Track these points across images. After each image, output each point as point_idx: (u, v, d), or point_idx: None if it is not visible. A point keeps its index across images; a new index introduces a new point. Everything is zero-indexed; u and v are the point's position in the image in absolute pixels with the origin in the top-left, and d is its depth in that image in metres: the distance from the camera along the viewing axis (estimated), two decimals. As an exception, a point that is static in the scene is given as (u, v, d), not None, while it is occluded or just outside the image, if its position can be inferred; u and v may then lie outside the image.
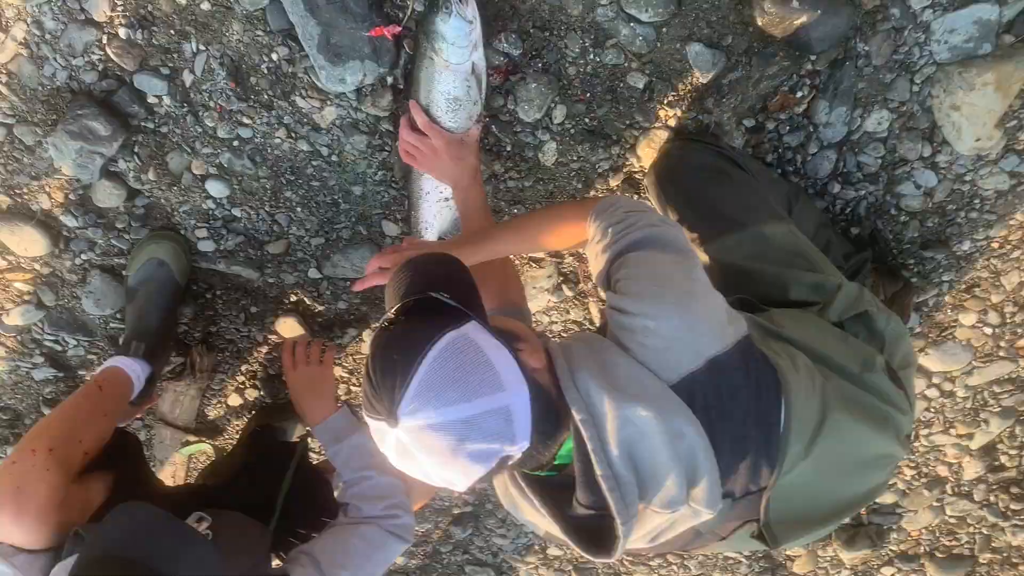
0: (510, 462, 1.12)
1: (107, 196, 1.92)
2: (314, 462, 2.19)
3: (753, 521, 1.38)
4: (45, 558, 1.54)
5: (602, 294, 1.85)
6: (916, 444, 2.61)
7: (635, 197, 2.00)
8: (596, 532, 1.19)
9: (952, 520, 2.85)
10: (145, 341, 1.95)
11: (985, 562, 2.98)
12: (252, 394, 2.37)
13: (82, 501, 1.65)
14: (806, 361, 1.37)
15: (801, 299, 1.59)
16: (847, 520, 1.65)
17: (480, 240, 1.59)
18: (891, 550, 2.95)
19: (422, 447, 1.06)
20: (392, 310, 1.20)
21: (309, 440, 2.09)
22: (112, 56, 1.74)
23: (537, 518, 1.34)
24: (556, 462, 1.23)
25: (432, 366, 1.05)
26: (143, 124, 1.84)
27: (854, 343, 1.53)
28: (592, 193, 1.99)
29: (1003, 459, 2.66)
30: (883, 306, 1.59)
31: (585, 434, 1.13)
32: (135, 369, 1.92)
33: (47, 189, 1.92)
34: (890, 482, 1.77)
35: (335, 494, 1.86)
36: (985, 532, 2.89)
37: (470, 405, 1.05)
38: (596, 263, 1.38)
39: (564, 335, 2.28)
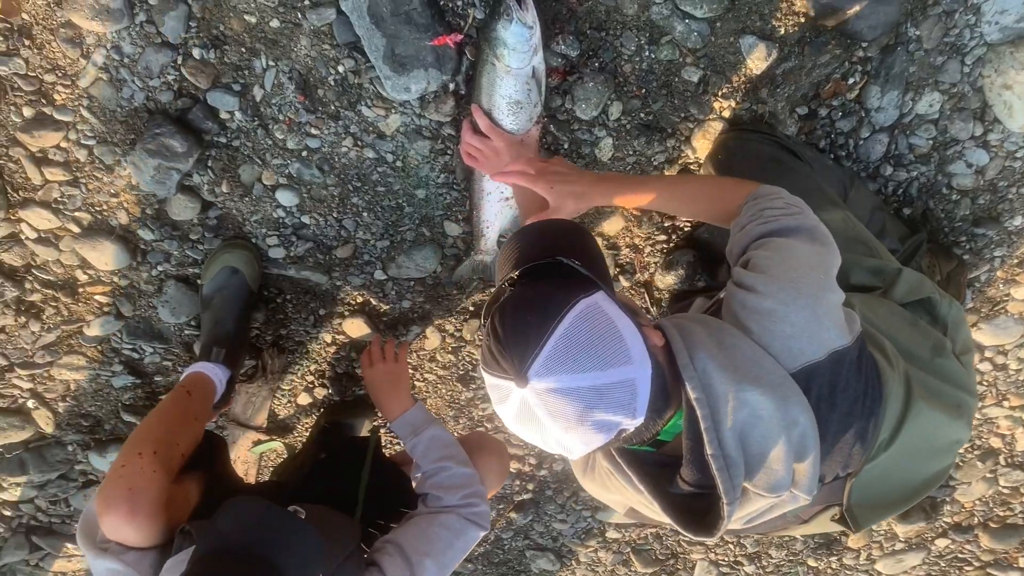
0: (622, 436, 1.12)
1: (182, 209, 2.00)
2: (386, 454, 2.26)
3: (835, 505, 1.42)
4: (153, 555, 1.63)
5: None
6: (969, 417, 2.65)
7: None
8: (697, 511, 1.22)
9: (1006, 491, 2.89)
10: (224, 346, 2.03)
11: (1039, 530, 3.02)
12: (321, 393, 2.45)
13: (182, 500, 1.73)
14: (893, 350, 1.41)
15: (861, 284, 1.62)
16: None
17: (624, 183, 1.58)
18: (945, 522, 2.99)
19: (547, 411, 1.07)
20: (518, 271, 1.21)
21: (380, 433, 2.16)
22: (187, 76, 1.81)
23: (625, 495, 1.36)
24: (660, 439, 1.24)
25: (569, 331, 1.07)
26: (216, 139, 1.91)
27: (924, 327, 1.56)
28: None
29: (1056, 429, 2.69)
30: (944, 292, 1.63)
31: (699, 413, 1.14)
32: (217, 373, 2.00)
33: (125, 205, 2.00)
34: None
35: (413, 485, 1.93)
36: (1039, 501, 2.92)
37: (603, 375, 1.06)
38: (738, 235, 1.38)
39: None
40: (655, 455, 1.28)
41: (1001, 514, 2.97)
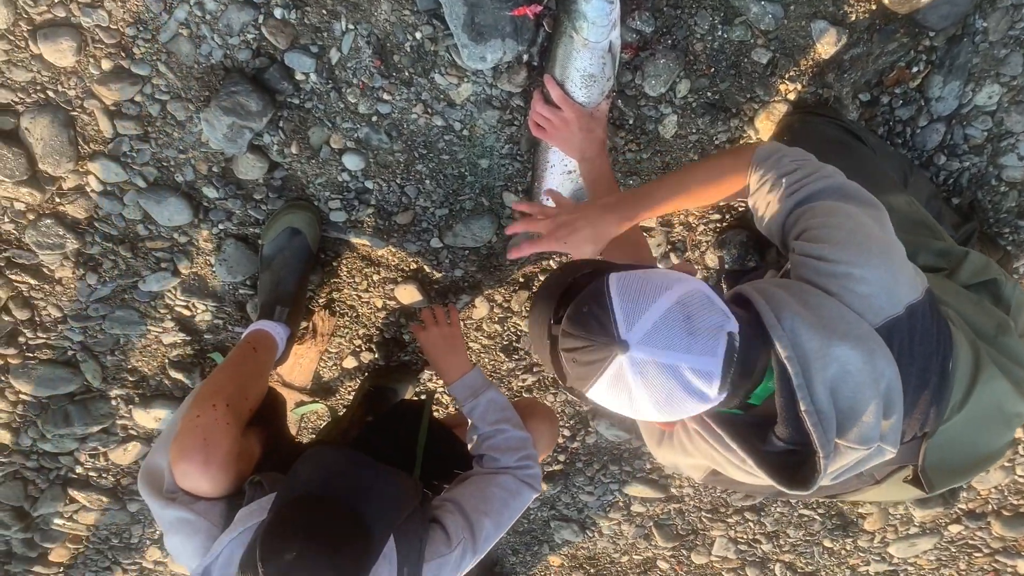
0: (736, 345, 1.14)
1: (249, 169, 2.02)
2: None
3: (909, 466, 1.46)
4: (222, 505, 1.67)
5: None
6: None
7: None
8: (791, 467, 1.25)
9: (1021, 480, 2.96)
10: (288, 306, 2.07)
11: (1050, 521, 3.10)
12: (367, 357, 2.49)
13: (248, 454, 1.77)
14: (957, 317, 1.46)
15: (928, 265, 1.67)
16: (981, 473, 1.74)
17: (639, 196, 1.63)
18: (960, 508, 3.07)
19: (664, 347, 1.10)
20: (553, 310, 1.24)
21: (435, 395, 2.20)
22: (266, 35, 1.83)
23: (714, 456, 1.38)
24: (749, 401, 1.28)
25: (619, 290, 1.14)
26: (289, 100, 1.93)
27: (988, 307, 1.61)
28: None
29: (1077, 421, 2.76)
30: (1009, 275, 1.68)
31: (791, 370, 1.17)
32: (279, 332, 2.04)
33: (192, 162, 2.03)
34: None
35: (469, 447, 1.97)
36: (1053, 492, 3.00)
37: (672, 291, 1.12)
38: (768, 211, 1.42)
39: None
40: (745, 416, 1.32)
41: (1015, 503, 3.04)
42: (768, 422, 1.26)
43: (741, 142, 2.04)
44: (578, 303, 1.18)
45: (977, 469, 1.57)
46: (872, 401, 1.19)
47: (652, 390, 1.12)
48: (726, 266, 2.22)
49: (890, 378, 1.21)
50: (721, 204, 2.03)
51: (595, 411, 2.69)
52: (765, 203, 1.43)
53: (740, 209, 2.16)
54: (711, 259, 2.26)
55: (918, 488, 1.47)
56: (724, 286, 2.22)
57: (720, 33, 1.87)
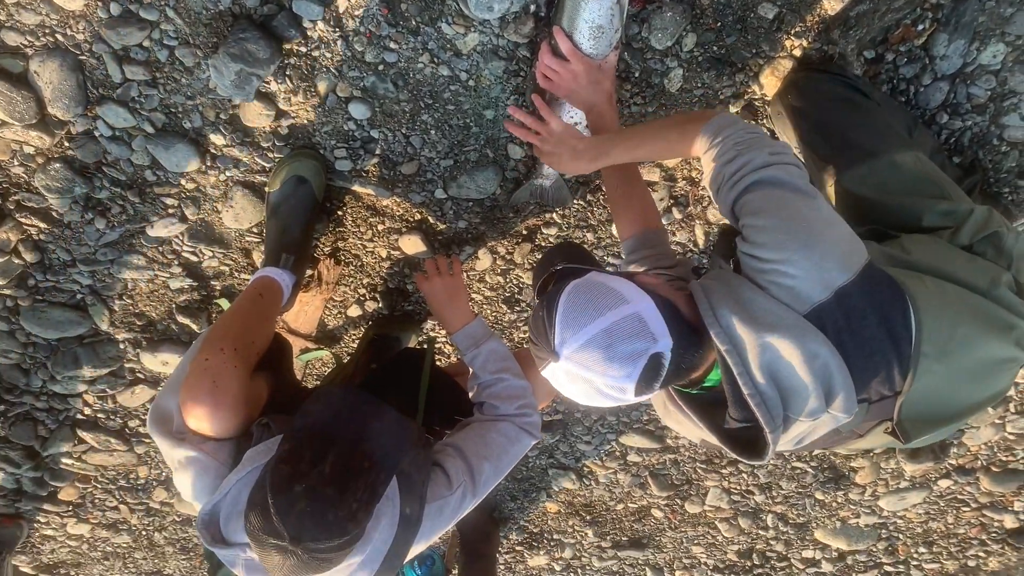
0: (664, 362, 1.31)
1: (256, 116, 2.04)
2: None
3: (888, 420, 1.53)
4: (230, 445, 1.71)
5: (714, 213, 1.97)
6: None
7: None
8: (748, 440, 1.40)
9: (1011, 436, 3.02)
10: (293, 253, 2.10)
11: (1037, 477, 3.17)
12: (371, 306, 2.52)
13: (255, 397, 1.81)
14: (934, 280, 1.51)
15: (934, 225, 1.70)
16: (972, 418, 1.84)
17: (603, 147, 1.79)
18: (950, 463, 3.13)
19: (583, 366, 1.30)
20: (536, 297, 1.51)
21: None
22: (274, -18, 1.84)
23: (694, 429, 1.54)
24: (706, 383, 1.46)
25: (565, 305, 1.33)
26: (297, 48, 1.94)
27: (981, 263, 1.64)
28: (721, 111, 2.09)
29: (1068, 380, 2.81)
30: (1011, 225, 1.70)
31: (730, 361, 1.32)
32: (284, 279, 2.07)
33: (200, 108, 2.04)
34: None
35: (469, 394, 2.01)
36: (1042, 448, 3.06)
37: (603, 319, 1.29)
38: (717, 201, 1.54)
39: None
40: (708, 395, 1.48)
41: (1004, 459, 3.11)
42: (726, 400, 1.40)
43: (744, 99, 2.05)
44: (539, 305, 1.41)
45: (962, 417, 1.62)
46: (810, 380, 1.32)
47: (578, 390, 1.36)
48: (725, 222, 2.25)
49: (825, 357, 1.31)
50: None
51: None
52: (715, 192, 1.53)
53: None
54: (712, 215, 2.28)
55: (896, 439, 1.54)
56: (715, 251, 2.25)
57: (728, -13, 1.87)
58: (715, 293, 1.39)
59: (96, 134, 2.06)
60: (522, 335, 2.65)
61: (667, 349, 1.31)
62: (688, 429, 1.58)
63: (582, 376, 1.32)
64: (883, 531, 3.44)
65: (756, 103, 2.06)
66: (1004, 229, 1.66)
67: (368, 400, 1.56)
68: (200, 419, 1.65)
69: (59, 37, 1.90)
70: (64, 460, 2.95)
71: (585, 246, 2.39)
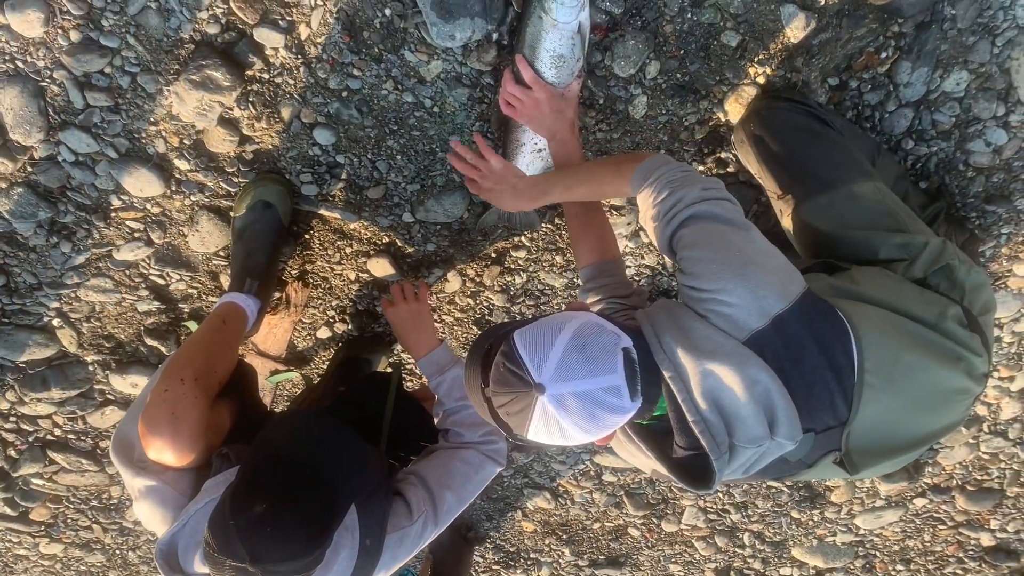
0: (634, 356, 1.32)
1: (220, 142, 2.03)
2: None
3: (835, 450, 1.53)
4: (190, 475, 1.70)
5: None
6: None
7: (713, 153, 2.10)
8: (695, 469, 1.40)
9: (985, 456, 3.02)
10: (258, 279, 2.09)
11: (1012, 496, 3.17)
12: (340, 328, 2.52)
13: (217, 426, 1.80)
14: (876, 310, 1.52)
15: (890, 257, 1.71)
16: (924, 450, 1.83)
17: (542, 187, 1.84)
18: (925, 482, 3.13)
19: (569, 381, 1.26)
20: (481, 381, 1.38)
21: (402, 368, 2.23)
22: (235, 9, 1.83)
23: (644, 460, 1.54)
24: (655, 413, 1.45)
25: (521, 344, 1.30)
26: (259, 74, 1.94)
27: (929, 296, 1.65)
28: (655, 152, 2.09)
29: (1040, 400, 2.82)
30: (966, 258, 1.71)
31: (675, 388, 1.34)
32: (249, 304, 2.06)
33: (164, 134, 2.03)
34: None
35: (435, 421, 2.00)
36: (1015, 468, 3.06)
37: (564, 331, 1.29)
38: (654, 238, 1.56)
39: (637, 279, 2.41)
40: (657, 425, 1.48)
41: (979, 478, 3.11)
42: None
43: (708, 126, 2.05)
44: (496, 365, 1.34)
45: (913, 449, 1.62)
46: (751, 405, 1.32)
47: (576, 416, 1.27)
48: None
49: (765, 382, 1.32)
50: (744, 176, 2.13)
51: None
52: (651, 230, 1.55)
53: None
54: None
55: (844, 471, 1.54)
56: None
57: (690, 15, 1.87)
58: (659, 321, 1.41)
59: (59, 159, 2.05)
60: (494, 356, 2.64)
61: (630, 344, 1.31)
62: (640, 460, 1.58)
63: (574, 392, 1.26)
64: (860, 549, 3.44)
65: (721, 130, 2.06)
66: (956, 261, 1.66)
67: (331, 425, 1.55)
68: (159, 450, 1.65)
69: (19, 64, 1.89)
70: (35, 481, 2.93)
71: (553, 269, 2.39)
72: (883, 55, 1.94)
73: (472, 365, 1.40)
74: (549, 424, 1.29)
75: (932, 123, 2.05)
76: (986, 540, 3.35)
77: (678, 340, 1.35)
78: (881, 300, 1.55)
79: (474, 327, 2.55)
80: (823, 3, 1.85)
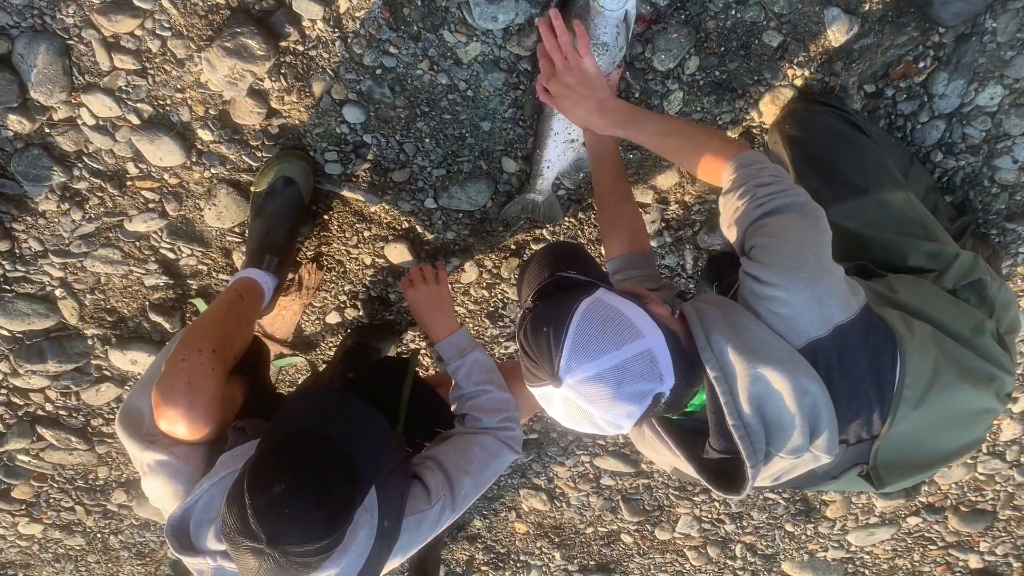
0: (663, 401, 1.27)
1: (247, 113, 1.99)
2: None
3: (863, 463, 1.52)
4: (203, 449, 1.65)
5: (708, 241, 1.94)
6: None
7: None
8: (726, 473, 1.36)
9: (981, 477, 3.03)
10: (277, 255, 2.04)
11: (1004, 518, 3.18)
12: (351, 314, 2.47)
13: (230, 400, 1.75)
14: (921, 325, 1.50)
15: (919, 266, 1.70)
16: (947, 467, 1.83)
17: (632, 120, 1.71)
18: (920, 501, 3.14)
19: (586, 398, 1.24)
20: (530, 297, 1.40)
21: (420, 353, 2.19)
22: (275, -23, 1.79)
23: (669, 457, 1.50)
24: (688, 409, 1.41)
25: (579, 327, 1.25)
26: (294, 46, 1.90)
27: (966, 309, 1.64)
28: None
29: (1040, 423, 2.83)
30: (996, 274, 1.71)
31: (718, 389, 1.29)
32: (267, 281, 2.01)
33: (189, 102, 1.98)
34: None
35: (452, 406, 1.97)
36: (1010, 490, 3.08)
37: (619, 352, 1.23)
38: (730, 216, 1.48)
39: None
40: (688, 422, 1.43)
41: (973, 499, 3.12)
42: (708, 428, 1.36)
43: (742, 126, 2.04)
44: (542, 317, 1.31)
45: (936, 465, 1.62)
46: (798, 416, 1.28)
47: (569, 418, 1.31)
48: (715, 247, 2.24)
49: (815, 394, 1.28)
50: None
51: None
52: (734, 208, 1.47)
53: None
54: (702, 241, 2.26)
55: (870, 484, 1.52)
56: (705, 274, 2.24)
57: (734, 12, 1.86)
58: (709, 317, 1.35)
59: (79, 122, 2.00)
60: (504, 350, 2.61)
61: (668, 389, 1.26)
62: (663, 457, 1.54)
63: (580, 407, 1.26)
64: (849, 566, 3.43)
65: (754, 130, 2.05)
66: (988, 277, 1.66)
67: (354, 402, 1.51)
68: (173, 421, 1.59)
69: (48, 20, 1.84)
70: (20, 457, 2.85)
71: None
72: (921, 65, 1.94)
73: (534, 275, 1.45)
74: (546, 400, 1.31)
75: (963, 136, 2.05)
76: (974, 562, 3.36)
77: (730, 339, 1.30)
78: (919, 310, 1.53)
79: (486, 320, 2.52)
80: (867, 8, 1.85)
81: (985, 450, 2.94)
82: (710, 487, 1.38)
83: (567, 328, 1.25)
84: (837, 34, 1.87)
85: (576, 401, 1.25)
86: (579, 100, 1.74)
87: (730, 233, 1.51)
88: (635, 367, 1.23)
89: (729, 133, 2.06)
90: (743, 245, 1.44)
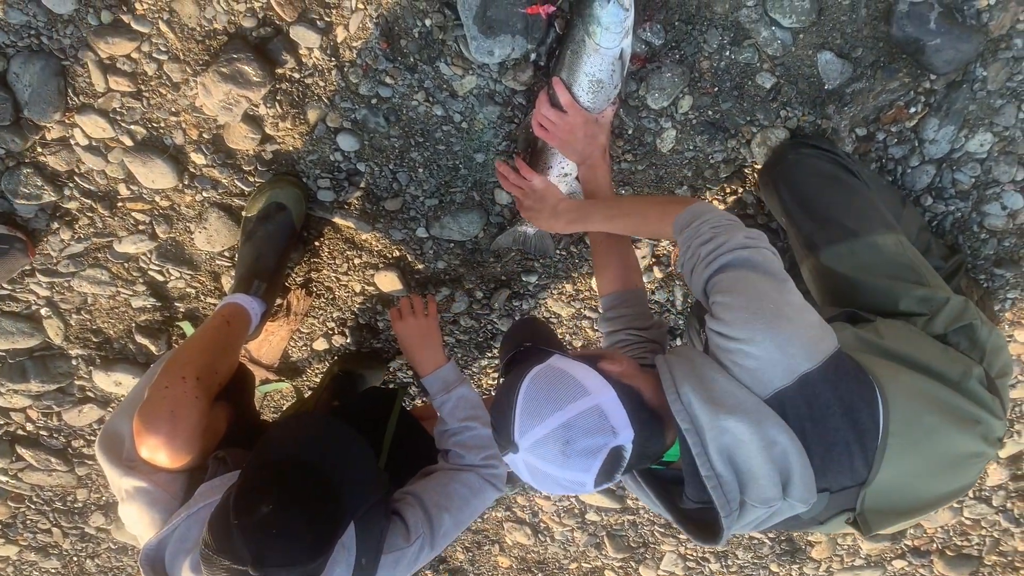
0: (625, 454, 1.28)
1: (241, 139, 1.99)
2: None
3: (849, 510, 1.51)
4: (183, 478, 1.63)
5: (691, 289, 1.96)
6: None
7: (735, 193, 2.10)
8: (703, 522, 1.37)
9: (967, 522, 3.02)
10: (266, 281, 2.03)
11: (990, 564, 3.16)
12: (339, 341, 2.46)
13: (214, 428, 1.73)
14: (907, 371, 1.50)
15: (910, 310, 1.70)
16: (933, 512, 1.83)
17: (582, 213, 1.84)
18: (906, 544, 3.12)
19: (542, 459, 1.27)
20: (500, 374, 1.42)
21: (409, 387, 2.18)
22: (274, 5, 1.80)
23: (652, 503, 1.51)
24: (665, 459, 1.42)
25: (526, 394, 1.30)
26: (290, 73, 1.90)
27: (954, 355, 1.64)
28: (688, 192, 2.09)
29: (1027, 469, 2.83)
30: (986, 318, 1.71)
31: (689, 441, 1.29)
32: (254, 307, 2.00)
33: (183, 126, 1.98)
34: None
35: (436, 441, 1.95)
36: (996, 536, 3.06)
37: (563, 412, 1.26)
38: (691, 280, 1.52)
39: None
40: (667, 472, 1.44)
41: (959, 543, 3.11)
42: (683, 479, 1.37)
43: (734, 165, 2.05)
44: (500, 388, 1.39)
45: (925, 510, 1.60)
46: (767, 466, 1.28)
47: (537, 482, 1.34)
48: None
49: (784, 444, 1.28)
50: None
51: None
52: (689, 272, 1.51)
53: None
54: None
55: (857, 530, 1.51)
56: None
57: (728, 53, 1.87)
58: (679, 369, 1.36)
59: (72, 142, 1.99)
60: (491, 380, 2.60)
61: (628, 441, 1.28)
62: (648, 502, 1.55)
63: (540, 469, 1.29)
64: (835, 608, 3.41)
65: (745, 170, 2.06)
66: (978, 321, 1.66)
67: (345, 431, 1.49)
68: (154, 449, 1.58)
69: (44, 40, 1.84)
70: (-2, 477, 2.81)
71: (562, 297, 2.36)
72: (912, 110, 1.96)
73: (501, 354, 1.53)
74: (516, 466, 1.35)
75: (952, 182, 2.07)
76: (960, 607, 3.33)
77: (698, 391, 1.31)
78: (907, 356, 1.53)
79: (475, 350, 2.51)
80: (859, 53, 1.87)
81: (972, 495, 2.93)
82: (689, 536, 1.40)
83: (516, 395, 1.30)
84: (831, 77, 1.89)
85: (535, 464, 1.28)
86: (538, 214, 1.95)
87: (688, 279, 1.54)
88: (583, 423, 1.26)
89: (720, 172, 2.07)
90: (705, 300, 1.47)
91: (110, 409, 2.60)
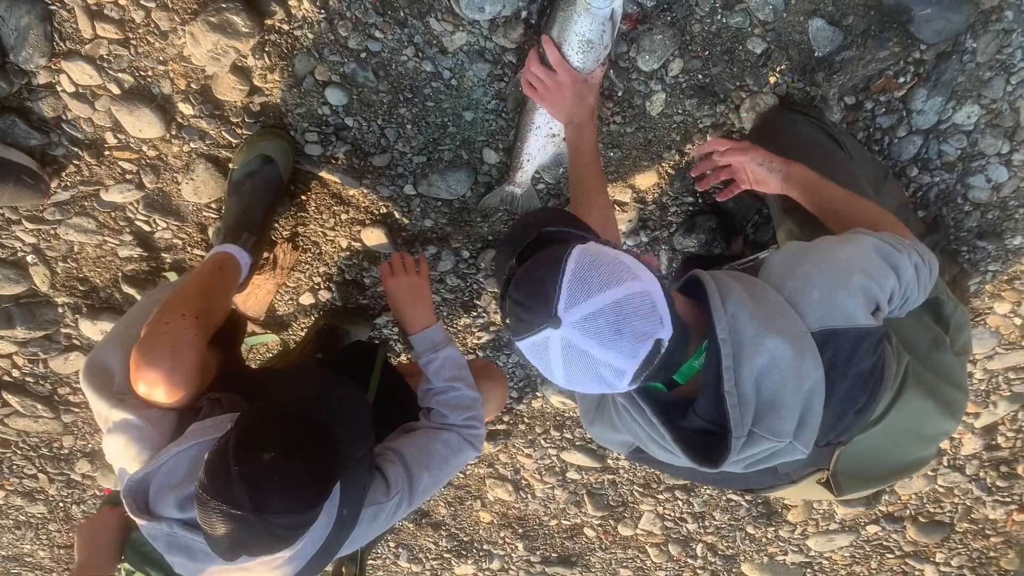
0: (662, 351, 1.18)
1: (229, 90, 1.98)
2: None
3: (823, 470, 1.54)
4: (172, 417, 1.63)
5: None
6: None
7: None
8: (705, 445, 1.32)
9: (941, 489, 3.08)
10: (254, 234, 2.03)
11: (961, 531, 3.24)
12: (325, 295, 2.47)
13: (207, 370, 1.73)
14: (897, 342, 1.52)
15: None
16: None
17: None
18: (880, 510, 3.18)
19: (589, 335, 1.15)
20: (516, 256, 1.32)
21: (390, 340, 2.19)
22: (264, -46, 1.78)
23: (637, 431, 1.44)
24: (675, 377, 1.34)
25: (576, 267, 1.18)
26: (279, 24, 1.89)
27: (926, 322, 1.67)
28: (688, 146, 2.09)
29: (1000, 440, 2.88)
30: (952, 295, 1.73)
31: (723, 352, 1.24)
32: (244, 258, 2.00)
33: (171, 75, 1.97)
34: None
35: (419, 399, 1.97)
36: (968, 504, 3.13)
37: (618, 288, 1.15)
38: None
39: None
40: (667, 395, 1.37)
41: (931, 510, 3.17)
42: (689, 402, 1.32)
43: (722, 129, 2.05)
44: (536, 263, 1.24)
45: (891, 479, 1.65)
46: (793, 397, 1.26)
47: (567, 367, 1.19)
48: (690, 249, 2.25)
49: (815, 380, 1.27)
50: (699, 189, 2.05)
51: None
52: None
53: (713, 195, 2.18)
54: (678, 242, 2.28)
55: (828, 491, 1.54)
56: (682, 269, 2.25)
57: (720, 17, 1.87)
58: (726, 283, 1.33)
59: (58, 88, 1.98)
60: (476, 340, 2.62)
61: (667, 338, 1.18)
62: (626, 434, 1.50)
63: (581, 349, 1.16)
64: (808, 570, 3.48)
65: (733, 135, 2.07)
66: (944, 297, 1.68)
67: (350, 389, 1.51)
68: (151, 384, 1.58)
69: (30, -17, 1.82)
70: (-15, 422, 2.83)
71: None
72: (901, 80, 1.96)
73: (517, 237, 1.36)
74: (541, 353, 1.21)
75: (938, 153, 2.08)
76: (930, 572, 3.41)
77: (747, 305, 1.27)
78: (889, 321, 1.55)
79: (460, 309, 2.53)
80: (851, 21, 1.86)
81: (946, 463, 2.99)
82: (687, 458, 1.33)
83: (563, 268, 1.18)
84: (820, 45, 1.89)
85: (577, 343, 1.16)
86: (561, 102, 1.84)
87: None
88: (636, 305, 1.15)
89: (708, 136, 2.07)
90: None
91: (101, 341, 2.61)
